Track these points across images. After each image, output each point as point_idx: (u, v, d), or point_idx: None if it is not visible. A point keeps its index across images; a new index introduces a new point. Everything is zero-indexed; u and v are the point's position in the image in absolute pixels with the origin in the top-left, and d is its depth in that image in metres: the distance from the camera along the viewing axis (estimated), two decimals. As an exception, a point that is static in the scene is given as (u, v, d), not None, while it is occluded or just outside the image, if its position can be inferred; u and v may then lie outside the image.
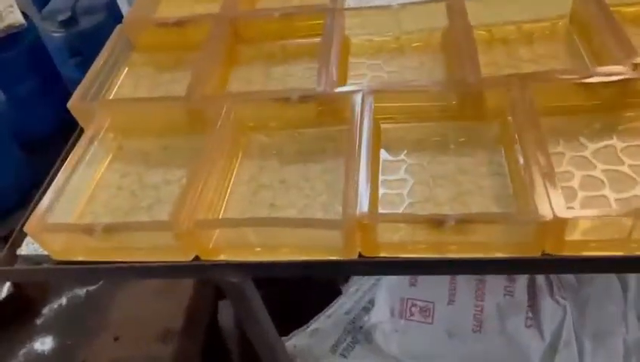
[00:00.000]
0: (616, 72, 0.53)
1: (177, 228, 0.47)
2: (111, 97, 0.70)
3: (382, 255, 0.47)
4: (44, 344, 1.18)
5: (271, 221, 0.51)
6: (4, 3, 1.74)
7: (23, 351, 1.18)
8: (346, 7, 0.76)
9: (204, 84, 0.64)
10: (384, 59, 0.69)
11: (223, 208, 0.55)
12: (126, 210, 0.57)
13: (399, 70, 0.67)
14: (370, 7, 0.73)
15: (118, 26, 0.78)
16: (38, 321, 1.18)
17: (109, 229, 0.50)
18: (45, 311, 1.20)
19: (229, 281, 0.53)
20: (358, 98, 0.57)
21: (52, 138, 1.65)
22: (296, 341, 0.88)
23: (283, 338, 0.90)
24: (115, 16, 1.53)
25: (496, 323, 0.82)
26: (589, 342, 0.79)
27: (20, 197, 1.57)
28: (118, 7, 1.67)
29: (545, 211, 0.42)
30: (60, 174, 0.57)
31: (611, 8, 0.65)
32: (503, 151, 0.54)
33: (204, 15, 0.77)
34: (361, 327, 0.87)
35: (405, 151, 0.57)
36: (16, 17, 1.63)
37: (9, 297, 1.09)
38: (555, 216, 0.41)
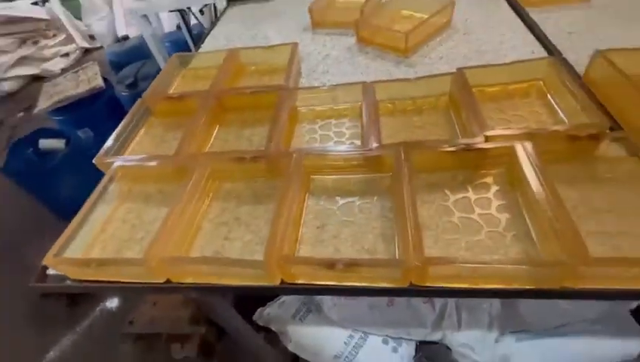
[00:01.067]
0: (472, 142, 0.47)
1: (147, 265, 0.41)
2: (128, 151, 0.64)
3: (299, 281, 0.42)
4: (112, 303, 1.13)
5: (215, 260, 0.45)
6: (92, 71, 1.68)
7: (98, 308, 1.14)
8: (300, 86, 0.72)
9: (190, 144, 0.58)
10: (320, 125, 0.63)
11: (195, 239, 0.49)
12: (125, 239, 0.51)
13: (329, 133, 0.61)
14: (313, 87, 0.67)
15: (139, 100, 0.72)
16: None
17: (101, 263, 0.44)
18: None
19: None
20: (294, 156, 0.52)
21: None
22: (269, 310, 0.83)
23: (260, 308, 0.85)
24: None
25: (403, 300, 0.76)
26: (465, 313, 0.74)
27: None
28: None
29: (409, 257, 0.36)
30: (80, 211, 0.52)
31: (476, 88, 0.59)
32: (392, 200, 0.48)
33: (198, 91, 0.70)
34: (312, 301, 0.82)
35: (324, 197, 0.51)
36: (98, 82, 1.56)
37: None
38: (415, 262, 0.36)
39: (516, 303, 0.74)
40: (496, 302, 0.74)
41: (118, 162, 0.58)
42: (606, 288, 0.35)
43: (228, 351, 0.94)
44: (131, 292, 0.61)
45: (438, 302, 0.76)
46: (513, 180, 0.46)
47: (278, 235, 0.41)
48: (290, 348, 0.81)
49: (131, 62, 1.73)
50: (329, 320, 0.79)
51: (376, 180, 0.51)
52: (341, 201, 0.49)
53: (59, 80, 1.68)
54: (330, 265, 0.37)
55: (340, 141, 0.59)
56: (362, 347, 0.76)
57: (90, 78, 1.60)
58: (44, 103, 1.52)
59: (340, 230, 0.46)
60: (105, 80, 1.58)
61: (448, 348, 0.79)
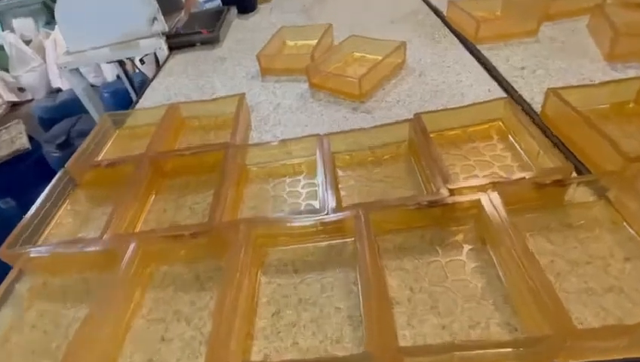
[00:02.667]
0: (436, 198, 0.47)
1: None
2: (44, 236, 0.59)
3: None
4: None
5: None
6: (16, 130, 1.60)
7: None
8: (250, 141, 0.71)
9: (120, 221, 0.54)
10: (273, 185, 0.61)
11: (123, 343, 0.43)
12: (35, 351, 0.44)
13: (283, 194, 0.59)
14: (264, 143, 0.66)
15: (62, 169, 0.68)
16: None
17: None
18: None
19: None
20: (241, 227, 0.49)
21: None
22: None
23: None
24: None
25: None
26: None
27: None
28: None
29: (378, 348, 0.33)
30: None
31: (435, 133, 0.61)
32: (357, 271, 0.46)
33: (131, 156, 0.67)
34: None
35: (280, 274, 0.47)
36: (22, 142, 1.49)
37: None
38: (385, 355, 0.33)
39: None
40: None
41: (29, 253, 0.52)
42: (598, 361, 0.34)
43: None
44: None
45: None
46: (484, 236, 0.45)
47: (222, 334, 0.37)
48: None
49: (64, 118, 1.67)
50: None
51: (339, 248, 0.49)
52: (300, 278, 0.46)
53: (-25, 143, 1.58)
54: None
55: (295, 203, 0.57)
56: None
57: (14, 138, 1.52)
58: (-47, 173, 1.41)
59: (299, 315, 0.42)
60: (32, 139, 1.51)
61: None
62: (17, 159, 1.47)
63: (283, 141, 0.64)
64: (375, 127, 0.63)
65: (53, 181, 0.66)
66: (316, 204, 0.55)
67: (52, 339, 0.45)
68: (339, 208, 0.49)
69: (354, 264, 0.46)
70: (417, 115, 0.61)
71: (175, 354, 0.41)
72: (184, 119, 0.81)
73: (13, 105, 3.13)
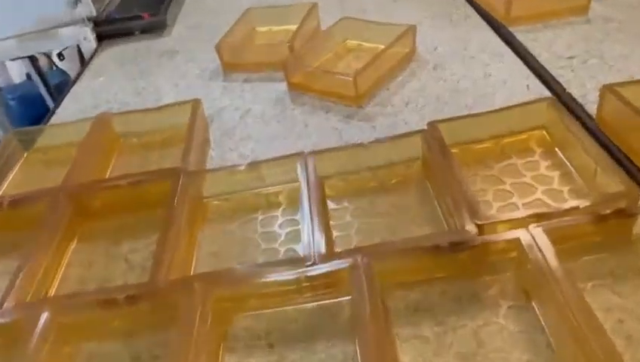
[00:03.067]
0: (461, 239, 0.47)
1: None
2: None
3: None
4: None
5: None
6: None
7: None
8: (207, 166, 0.73)
9: (26, 283, 0.53)
10: (239, 224, 0.62)
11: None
12: None
13: (254, 236, 0.60)
14: (228, 167, 0.68)
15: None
16: None
17: None
18: None
19: None
20: (196, 288, 0.49)
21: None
22: None
23: None
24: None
25: None
26: None
27: None
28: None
29: None
30: None
31: (458, 147, 0.63)
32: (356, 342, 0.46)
33: (43, 190, 0.67)
34: None
35: (252, 353, 0.47)
36: None
37: None
38: None
39: None
40: None
41: None
42: None
43: None
44: None
45: None
46: (528, 289, 0.46)
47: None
48: None
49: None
50: None
51: (332, 310, 0.49)
52: (278, 356, 0.46)
53: None
54: None
55: (271, 249, 0.57)
56: None
57: None
58: None
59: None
60: None
61: None
62: None
63: (253, 163, 0.65)
64: (377, 141, 0.64)
65: None
66: (300, 250, 0.55)
67: None
68: (330, 255, 0.50)
69: (353, 333, 0.46)
70: (432, 124, 0.63)
71: None
72: (118, 136, 0.81)
73: None
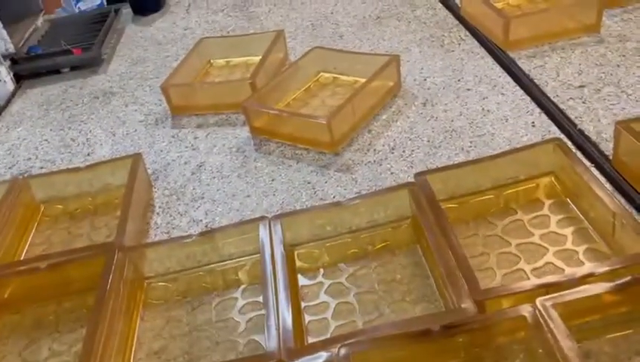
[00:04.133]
0: (457, 319, 0.48)
1: None
2: None
3: None
4: None
5: None
6: None
7: None
8: (148, 238, 0.74)
9: None
10: (188, 315, 0.62)
11: None
12: None
13: (210, 330, 0.60)
14: (174, 239, 0.68)
15: None
16: None
17: None
18: None
19: None
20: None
21: None
22: None
23: None
24: None
25: None
26: None
27: None
28: None
29: None
30: None
31: (453, 201, 0.65)
32: None
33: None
34: None
35: None
36: None
37: None
38: None
39: None
40: None
41: None
42: None
43: None
44: None
45: None
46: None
47: None
48: None
49: None
50: None
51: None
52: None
53: None
54: None
55: (228, 341, 0.57)
56: None
57: None
58: None
59: None
60: None
61: None
62: None
63: (207, 232, 0.66)
64: (359, 197, 0.66)
65: None
66: (264, 342, 0.56)
67: None
68: (302, 349, 0.50)
69: None
70: (421, 175, 0.65)
71: None
72: (38, 203, 0.82)
73: None
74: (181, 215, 0.77)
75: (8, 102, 1.21)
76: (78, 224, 0.78)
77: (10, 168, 0.95)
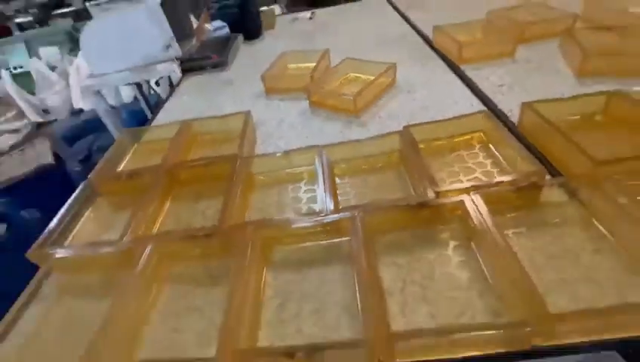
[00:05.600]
0: (424, 200, 0.48)
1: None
2: (70, 240, 0.60)
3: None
4: None
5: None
6: (43, 147, 1.63)
7: None
8: (257, 153, 0.73)
9: (138, 225, 0.55)
10: (277, 191, 0.63)
11: (142, 336, 0.44)
12: (63, 344, 0.45)
13: (286, 200, 0.61)
14: (268, 154, 0.68)
15: (85, 181, 0.69)
16: None
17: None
18: None
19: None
20: (248, 228, 0.50)
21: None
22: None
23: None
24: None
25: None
26: None
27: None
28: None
29: (373, 334, 0.34)
30: (7, 315, 0.46)
31: (423, 143, 0.63)
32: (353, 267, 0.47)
33: (148, 167, 0.69)
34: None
35: (284, 270, 0.48)
36: (47, 159, 1.51)
37: None
38: (379, 340, 0.34)
39: None
40: None
41: (55, 254, 0.53)
42: (574, 342, 0.35)
43: None
44: None
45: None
46: (468, 235, 0.46)
47: (233, 323, 0.38)
48: None
49: (86, 135, 1.70)
50: None
51: (337, 246, 0.50)
52: (301, 274, 0.47)
53: (2, 159, 1.60)
54: (289, 354, 0.34)
55: (297, 207, 0.58)
56: None
57: (40, 155, 1.54)
58: (-17, 186, 1.43)
59: (301, 307, 0.43)
60: (57, 156, 1.53)
61: None
62: (43, 175, 1.49)
63: (286, 152, 0.66)
64: (369, 138, 0.65)
65: (77, 191, 0.68)
66: (316, 207, 0.57)
67: (80, 333, 0.46)
68: (336, 210, 0.51)
69: (351, 261, 0.47)
70: (406, 127, 0.64)
71: (188, 343, 0.42)
72: (196, 134, 0.83)
73: (39, 126, 3.18)
74: (271, 145, 0.77)
75: (178, 84, 1.21)
76: (216, 146, 0.79)
77: (180, 117, 0.95)
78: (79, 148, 1.56)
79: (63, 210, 0.63)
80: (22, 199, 1.46)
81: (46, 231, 0.58)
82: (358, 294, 0.41)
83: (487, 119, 0.63)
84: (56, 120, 3.09)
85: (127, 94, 2.22)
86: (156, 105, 1.62)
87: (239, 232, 0.51)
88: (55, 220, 0.61)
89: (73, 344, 0.45)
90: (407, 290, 0.42)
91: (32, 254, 0.54)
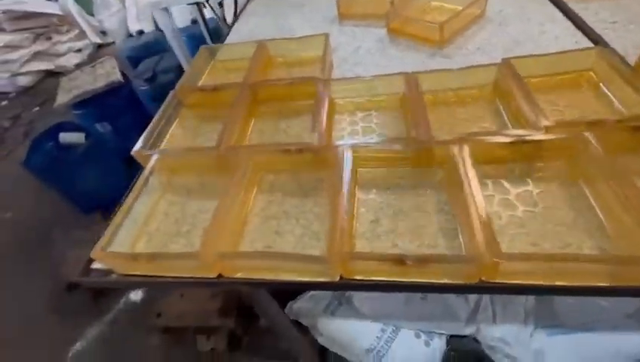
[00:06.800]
0: (531, 134, 0.44)
1: (202, 259, 0.39)
2: (164, 144, 0.62)
3: (357, 277, 0.39)
4: (136, 295, 1.12)
5: (276, 255, 0.42)
6: (110, 65, 1.65)
7: (122, 299, 1.13)
8: (333, 78, 0.69)
9: (230, 136, 0.56)
10: (360, 117, 0.60)
11: (243, 233, 0.46)
12: (170, 233, 0.49)
13: (371, 125, 0.58)
14: (350, 78, 0.64)
15: (172, 91, 0.69)
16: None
17: (151, 258, 0.41)
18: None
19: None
20: (340, 149, 0.49)
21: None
22: (300, 304, 0.81)
23: (290, 301, 0.83)
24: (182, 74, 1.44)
25: (436, 294, 0.74)
26: (500, 307, 0.72)
27: (119, 192, 1.51)
28: (183, 69, 1.57)
29: (483, 253, 0.34)
30: (124, 204, 0.50)
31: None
32: (447, 194, 0.45)
33: (232, 83, 0.68)
34: (344, 294, 0.80)
35: (375, 191, 0.48)
36: (116, 76, 1.53)
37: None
38: (492, 258, 0.33)
39: (551, 298, 0.71)
40: (530, 297, 0.71)
41: (157, 154, 0.56)
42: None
43: (254, 344, 0.93)
44: (183, 288, 0.61)
45: (473, 296, 0.73)
46: (577, 172, 0.43)
47: (338, 230, 0.39)
48: (321, 341, 0.79)
49: (147, 56, 1.69)
50: (360, 313, 0.77)
51: (427, 174, 0.48)
52: (393, 195, 0.47)
53: (76, 74, 1.65)
54: (399, 261, 0.35)
55: (382, 133, 0.56)
56: (394, 340, 0.74)
57: (109, 73, 1.57)
58: (63, 98, 1.49)
59: (395, 224, 0.43)
60: (122, 74, 1.55)
61: (476, 341, 0.77)
62: (112, 91, 1.52)
63: (369, 77, 0.62)
64: (461, 68, 0.59)
65: (166, 101, 0.68)
66: (404, 136, 0.54)
67: (182, 225, 0.49)
68: (429, 139, 0.48)
69: (444, 189, 0.46)
70: (506, 60, 0.57)
71: (290, 244, 0.44)
72: (271, 56, 0.79)
73: (98, 47, 3.21)
74: (348, 71, 0.72)
75: (245, 5, 1.14)
76: (292, 69, 0.75)
77: (249, 38, 0.92)
78: (144, 68, 1.57)
79: (155, 119, 0.64)
80: (95, 113, 1.53)
81: (144, 135, 0.59)
82: (457, 216, 0.40)
83: (600, 56, 0.54)
84: (113, 42, 3.10)
85: (182, 18, 2.14)
86: (215, 30, 1.56)
87: (330, 151, 0.50)
88: (150, 126, 0.62)
89: (178, 235, 0.48)
90: (506, 220, 0.41)
91: (137, 153, 0.56)
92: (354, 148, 0.49)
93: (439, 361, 0.74)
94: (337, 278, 0.39)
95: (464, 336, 0.77)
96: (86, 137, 1.43)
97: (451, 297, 0.74)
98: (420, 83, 0.58)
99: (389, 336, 0.74)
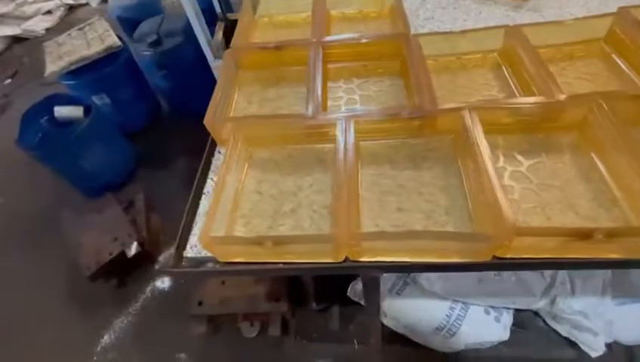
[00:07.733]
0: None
1: (337, 241, 0.34)
2: (231, 113, 0.54)
3: (517, 256, 0.35)
4: (163, 283, 1.06)
5: (407, 235, 0.37)
6: (102, 27, 1.47)
7: (148, 288, 1.07)
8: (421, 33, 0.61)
9: (317, 102, 0.48)
10: (461, 76, 0.54)
11: (361, 214, 0.40)
12: (271, 213, 0.43)
13: (474, 85, 0.52)
14: (442, 32, 0.57)
15: (227, 51, 0.60)
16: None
17: (278, 242, 0.35)
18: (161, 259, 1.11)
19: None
20: (464, 114, 0.43)
21: (144, 129, 1.48)
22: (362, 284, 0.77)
23: (353, 282, 0.79)
24: (191, 38, 1.28)
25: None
26: (579, 280, 0.71)
27: (126, 171, 1.41)
28: (192, 30, 1.42)
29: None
30: (214, 185, 0.43)
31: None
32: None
33: (300, 40, 0.59)
34: (408, 274, 0.77)
35: (509, 158, 0.43)
36: (113, 40, 1.37)
37: (137, 254, 0.99)
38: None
39: (627, 271, 0.71)
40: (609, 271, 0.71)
41: (234, 123, 0.48)
42: None
43: (303, 328, 0.90)
44: (311, 273, 0.56)
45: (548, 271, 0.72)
46: None
47: (502, 203, 0.34)
48: (386, 322, 0.77)
49: (141, 18, 1.51)
50: (427, 292, 0.75)
51: (559, 137, 0.44)
52: (529, 161, 0.42)
53: (63, 38, 1.47)
54: (585, 235, 0.30)
55: (492, 95, 0.50)
56: (465, 318, 0.73)
57: (103, 36, 1.40)
58: (54, 66, 1.33)
59: (540, 196, 0.39)
60: (119, 38, 1.39)
61: (537, 315, 0.77)
62: (109, 58, 1.36)
63: (462, 31, 0.55)
64: (574, 19, 0.53)
65: (223, 64, 0.58)
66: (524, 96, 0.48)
67: (283, 203, 0.43)
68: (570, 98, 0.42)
69: (582, 155, 0.41)
70: (623, 8, 0.51)
71: (419, 223, 0.39)
72: (328, 11, 0.69)
73: (70, 9, 2.89)
74: (421, 27, 0.65)
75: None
76: (355, 25, 0.66)
77: None
78: (145, 31, 1.40)
79: (218, 85, 0.54)
80: (90, 83, 1.37)
81: (212, 104, 0.50)
82: (605, 184, 0.35)
83: None
84: (86, 3, 2.80)
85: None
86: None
87: (445, 116, 0.44)
88: (216, 93, 0.52)
89: (281, 215, 0.42)
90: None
91: (209, 123, 0.48)
92: (479, 110, 0.43)
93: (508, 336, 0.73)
94: (489, 258, 0.34)
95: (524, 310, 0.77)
96: (84, 111, 1.30)
97: (527, 272, 0.72)
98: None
99: (458, 314, 0.73)
